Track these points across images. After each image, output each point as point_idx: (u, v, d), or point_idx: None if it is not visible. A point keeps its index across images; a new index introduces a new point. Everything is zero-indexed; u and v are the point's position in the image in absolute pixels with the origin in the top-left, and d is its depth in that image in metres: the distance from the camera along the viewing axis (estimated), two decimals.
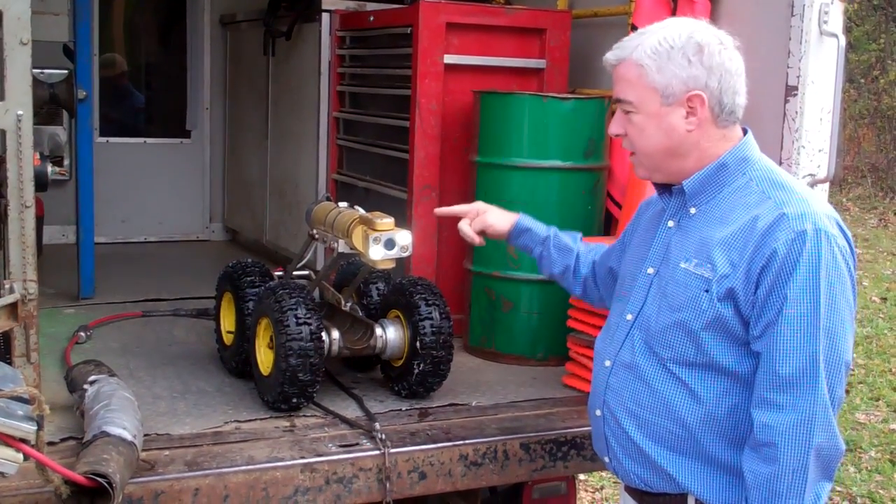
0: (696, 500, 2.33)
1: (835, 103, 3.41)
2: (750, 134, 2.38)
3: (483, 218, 2.91)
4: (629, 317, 2.43)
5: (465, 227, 2.91)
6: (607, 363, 2.46)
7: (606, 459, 2.51)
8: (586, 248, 2.86)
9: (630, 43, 2.31)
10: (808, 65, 3.35)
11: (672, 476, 2.33)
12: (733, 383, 2.26)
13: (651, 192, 2.66)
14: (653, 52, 2.26)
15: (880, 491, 5.94)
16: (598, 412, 2.48)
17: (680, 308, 2.29)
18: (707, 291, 2.24)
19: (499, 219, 2.92)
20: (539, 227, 2.89)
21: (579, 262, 2.83)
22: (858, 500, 5.82)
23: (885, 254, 11.96)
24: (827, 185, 3.47)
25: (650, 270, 2.42)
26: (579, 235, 2.92)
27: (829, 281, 2.14)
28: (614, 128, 2.38)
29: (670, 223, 2.41)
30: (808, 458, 2.13)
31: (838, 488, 5.81)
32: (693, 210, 2.36)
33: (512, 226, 2.90)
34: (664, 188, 2.45)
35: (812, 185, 3.36)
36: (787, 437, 2.13)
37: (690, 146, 2.31)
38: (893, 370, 7.98)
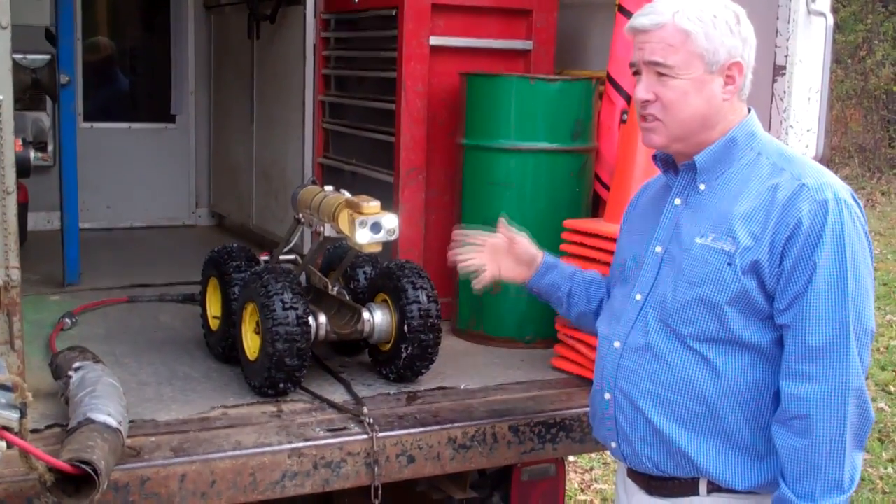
0: (709, 482, 2.32)
1: (823, 83, 3.40)
2: (754, 111, 2.39)
3: (520, 237, 2.80)
4: (638, 297, 2.41)
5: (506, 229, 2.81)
6: (616, 344, 2.43)
7: (613, 445, 2.47)
8: (608, 279, 2.75)
9: (664, 8, 2.28)
10: (797, 44, 3.34)
11: (689, 457, 2.31)
12: (755, 358, 2.26)
13: (640, 174, 2.65)
14: (698, 19, 2.25)
15: (868, 469, 5.97)
16: (608, 395, 2.45)
17: (701, 283, 2.27)
18: (730, 265, 2.23)
19: (530, 243, 2.81)
20: (563, 263, 2.82)
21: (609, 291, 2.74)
22: None
23: (873, 234, 11.90)
24: None
25: (658, 249, 2.40)
26: (597, 272, 2.84)
27: (852, 249, 2.16)
28: (642, 92, 2.31)
29: (677, 200, 2.40)
30: (844, 427, 2.13)
31: None
32: (702, 186, 2.35)
33: (542, 257, 2.79)
34: (668, 166, 2.44)
35: None
36: (822, 408, 2.13)
37: (720, 117, 2.32)
38: (881, 349, 8.02)
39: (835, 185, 2.22)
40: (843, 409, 2.14)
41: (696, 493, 2.34)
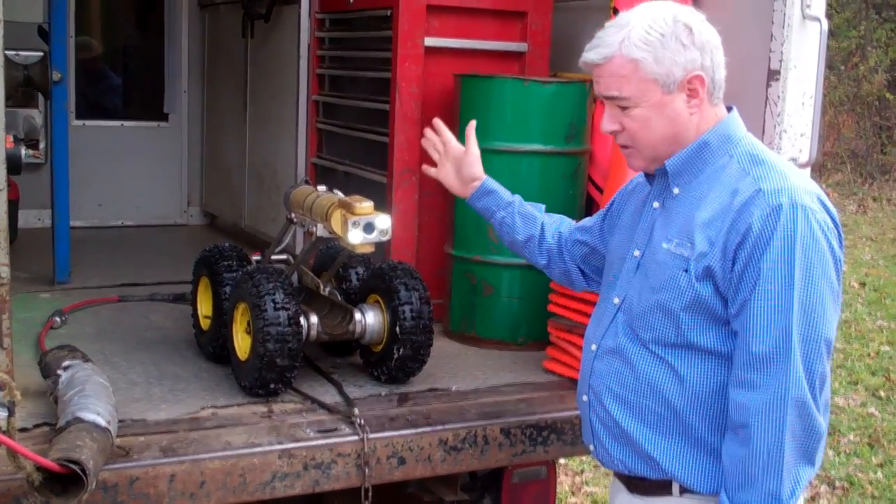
0: (681, 486, 2.30)
1: (817, 88, 3.40)
2: (735, 112, 2.35)
3: (469, 156, 2.85)
4: (616, 300, 2.41)
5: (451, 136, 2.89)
6: (593, 347, 2.44)
7: (591, 447, 2.49)
8: (550, 220, 2.81)
9: (611, 39, 2.24)
10: (791, 49, 3.33)
11: (656, 460, 2.31)
12: (718, 363, 2.23)
13: (633, 177, 2.64)
14: (644, 43, 2.20)
15: (858, 474, 5.97)
16: (585, 397, 2.47)
17: (660, 289, 2.27)
18: (686, 271, 2.22)
19: (476, 164, 2.86)
20: (504, 192, 2.84)
21: (544, 232, 2.77)
22: (837, 483, 5.85)
23: (864, 239, 12.03)
24: (808, 169, 3.46)
25: (636, 253, 2.39)
26: (542, 206, 2.87)
27: (805, 255, 2.10)
28: (607, 125, 2.31)
29: (655, 204, 2.39)
30: (782, 439, 2.09)
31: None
32: (676, 190, 2.33)
33: (481, 181, 2.85)
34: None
35: None
36: (760, 417, 2.10)
37: (691, 129, 2.28)
38: (872, 354, 8.03)
39: (795, 188, 2.15)
40: (781, 419, 2.09)
41: (669, 493, 2.34)
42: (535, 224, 2.79)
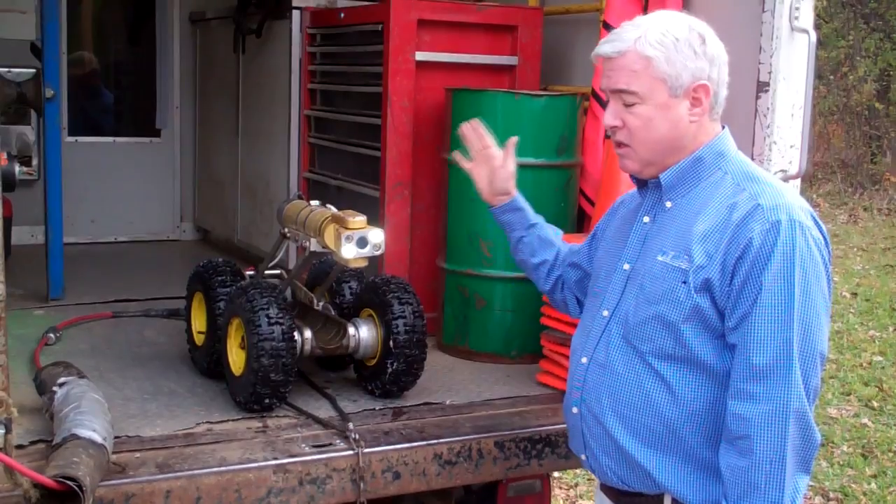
0: (674, 499, 2.32)
1: (806, 99, 3.42)
2: (727, 130, 2.40)
3: (506, 169, 2.86)
4: (605, 313, 2.42)
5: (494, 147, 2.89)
6: (584, 360, 2.45)
7: (583, 457, 2.50)
8: (567, 250, 2.83)
9: (627, 35, 2.29)
10: (780, 61, 3.35)
11: (650, 474, 2.32)
12: (712, 378, 2.25)
13: (625, 189, 2.66)
14: (659, 44, 2.26)
15: (852, 485, 5.98)
16: (575, 409, 2.47)
17: (658, 300, 2.29)
18: (684, 283, 2.24)
19: (510, 180, 2.88)
20: (530, 212, 2.88)
21: (558, 260, 2.81)
22: (831, 494, 5.85)
23: (856, 249, 12.06)
24: (798, 181, 3.48)
25: (625, 266, 2.41)
26: (561, 233, 2.91)
27: (803, 271, 2.15)
28: (610, 119, 2.35)
29: (646, 218, 2.42)
30: (784, 449, 2.13)
31: (811, 483, 5.83)
32: (669, 204, 2.36)
33: (511, 197, 2.87)
34: (642, 183, 2.45)
35: (784, 181, 3.37)
36: (762, 429, 2.13)
37: (689, 139, 2.33)
38: (864, 365, 8.04)
39: (791, 206, 2.21)
40: (783, 430, 2.13)
41: None
42: (551, 251, 2.83)
